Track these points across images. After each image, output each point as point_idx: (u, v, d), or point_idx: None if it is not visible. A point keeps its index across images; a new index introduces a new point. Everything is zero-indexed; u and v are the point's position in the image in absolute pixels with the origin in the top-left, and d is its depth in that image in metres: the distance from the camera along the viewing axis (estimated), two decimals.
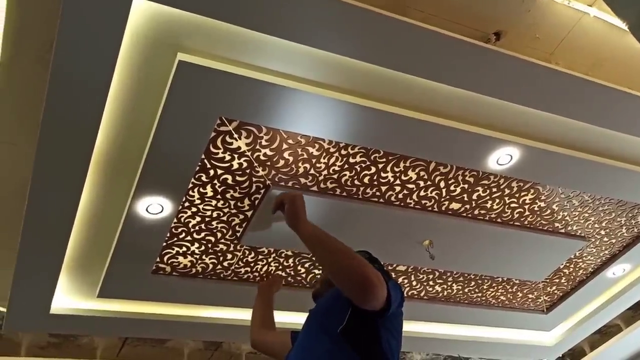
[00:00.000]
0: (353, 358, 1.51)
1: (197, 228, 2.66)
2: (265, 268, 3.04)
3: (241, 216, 2.63)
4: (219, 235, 2.72)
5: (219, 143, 2.28)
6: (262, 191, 2.53)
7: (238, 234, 2.73)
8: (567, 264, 3.51)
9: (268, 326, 2.39)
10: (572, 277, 3.65)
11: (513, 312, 3.88)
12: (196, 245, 2.75)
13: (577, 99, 2.42)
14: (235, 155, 2.35)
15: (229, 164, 2.38)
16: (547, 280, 3.63)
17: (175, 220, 2.58)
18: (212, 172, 2.39)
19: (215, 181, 2.44)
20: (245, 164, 2.39)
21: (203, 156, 2.31)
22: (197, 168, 2.35)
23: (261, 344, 2.30)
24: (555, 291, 3.78)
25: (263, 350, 2.34)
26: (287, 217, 2.00)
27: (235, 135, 2.27)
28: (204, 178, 2.42)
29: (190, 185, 2.43)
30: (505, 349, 4.27)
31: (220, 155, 2.33)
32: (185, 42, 1.94)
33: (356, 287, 1.53)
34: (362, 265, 1.59)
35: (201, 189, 2.46)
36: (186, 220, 2.61)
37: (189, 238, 2.71)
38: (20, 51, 2.06)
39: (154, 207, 2.44)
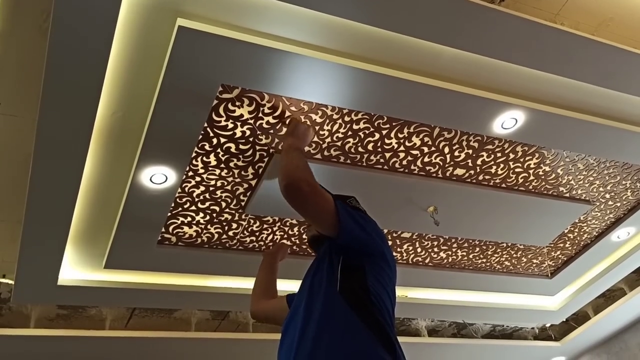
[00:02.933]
0: (347, 313, 1.52)
1: (201, 198, 2.66)
2: (270, 237, 3.05)
3: (245, 185, 2.63)
4: (224, 204, 2.72)
5: (221, 111, 2.26)
6: (265, 159, 2.52)
7: (243, 203, 2.73)
8: (572, 228, 3.51)
9: (269, 295, 2.28)
10: (576, 241, 3.66)
11: (517, 278, 3.90)
12: (201, 215, 2.76)
13: (582, 60, 2.38)
14: (238, 123, 2.33)
15: (232, 132, 2.36)
16: (552, 245, 3.64)
17: (179, 190, 2.58)
18: (215, 140, 2.38)
19: (219, 150, 2.43)
20: (248, 132, 2.38)
21: (206, 124, 2.30)
22: (200, 137, 2.34)
23: (260, 312, 2.22)
24: (560, 256, 3.79)
25: (263, 319, 2.26)
26: (285, 134, 2.18)
27: (238, 103, 2.25)
28: (207, 147, 2.40)
29: (194, 154, 2.42)
30: (510, 314, 4.31)
31: (223, 123, 2.31)
32: (185, 7, 1.91)
33: (287, 188, 1.75)
34: (306, 172, 1.84)
35: (204, 158, 2.45)
36: (190, 190, 2.61)
37: (193, 208, 2.71)
38: (18, 21, 2.03)
39: (158, 176, 2.44)
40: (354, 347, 1.42)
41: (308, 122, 2.30)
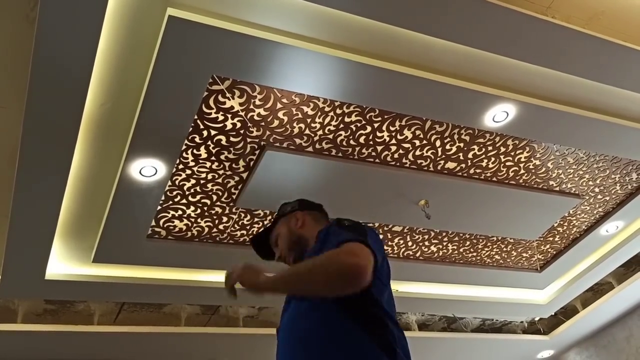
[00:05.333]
0: (346, 321, 1.41)
1: (192, 191, 2.64)
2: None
3: (236, 178, 2.61)
4: (215, 197, 2.70)
5: (211, 103, 2.24)
6: (257, 152, 2.50)
7: (234, 197, 2.71)
8: (561, 222, 3.53)
9: None
10: (565, 235, 3.67)
11: (507, 271, 3.92)
12: (192, 208, 2.74)
13: (573, 53, 2.39)
14: (229, 115, 2.31)
15: (222, 125, 2.34)
16: (541, 239, 3.66)
17: (169, 183, 2.55)
18: (205, 133, 2.36)
19: (209, 142, 2.40)
20: (239, 124, 2.36)
21: (196, 117, 2.27)
22: (190, 129, 2.32)
23: None
24: (549, 249, 3.81)
25: None
26: (246, 287, 1.54)
27: (229, 95, 2.22)
28: (197, 139, 2.38)
29: (184, 147, 2.40)
30: (499, 307, 4.33)
31: (214, 115, 2.29)
32: None
33: (347, 281, 1.30)
34: (337, 258, 1.34)
35: (195, 151, 2.43)
36: (181, 183, 2.58)
37: (184, 201, 2.69)
38: (4, 9, 1.99)
39: (148, 169, 2.41)
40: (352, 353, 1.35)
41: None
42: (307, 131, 2.47)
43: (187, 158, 2.45)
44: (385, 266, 1.54)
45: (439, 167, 2.87)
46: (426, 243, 3.46)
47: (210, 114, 2.28)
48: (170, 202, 2.67)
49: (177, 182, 2.57)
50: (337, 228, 1.53)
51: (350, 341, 1.33)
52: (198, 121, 2.30)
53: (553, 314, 4.61)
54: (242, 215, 2.88)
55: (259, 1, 1.95)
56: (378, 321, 1.38)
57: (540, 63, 2.39)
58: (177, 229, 2.85)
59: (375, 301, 1.41)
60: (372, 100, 2.39)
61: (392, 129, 2.57)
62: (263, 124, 2.38)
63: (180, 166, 2.49)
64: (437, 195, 2.99)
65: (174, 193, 2.62)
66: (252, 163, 2.54)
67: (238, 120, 2.33)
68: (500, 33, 2.23)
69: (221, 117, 2.31)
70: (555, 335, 4.88)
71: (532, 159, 2.95)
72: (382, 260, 1.49)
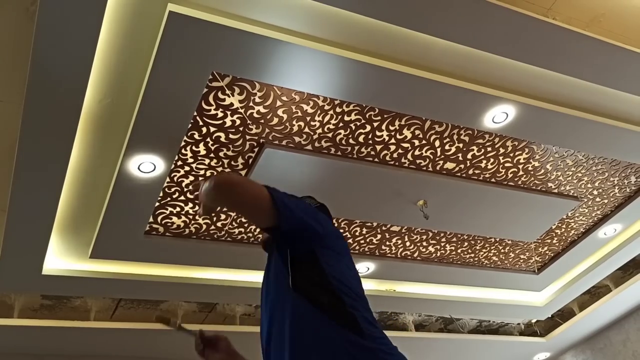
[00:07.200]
0: (315, 313, 1.44)
1: (190, 188, 2.63)
2: (258, 229, 3.03)
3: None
4: None
5: (211, 99, 2.24)
6: (256, 150, 2.50)
7: None
8: (559, 224, 3.53)
9: None
10: (563, 237, 3.67)
11: (505, 273, 3.92)
12: (190, 205, 2.73)
13: (574, 55, 2.39)
14: (228, 112, 2.31)
15: (221, 121, 2.34)
16: (539, 241, 3.66)
17: (168, 179, 2.55)
18: (204, 129, 2.35)
19: (208, 139, 2.40)
20: (238, 122, 2.35)
21: (195, 113, 2.27)
22: (190, 125, 2.31)
23: None
24: (547, 252, 3.81)
25: None
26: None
27: (228, 92, 2.22)
28: (196, 136, 2.38)
29: (183, 143, 2.39)
30: (496, 309, 4.33)
31: (213, 112, 2.29)
32: None
33: (217, 186, 1.49)
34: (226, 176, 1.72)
35: (194, 147, 2.43)
36: (179, 180, 2.58)
37: (182, 198, 2.68)
38: (4, 3, 1.99)
39: (146, 165, 2.41)
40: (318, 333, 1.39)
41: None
42: (306, 129, 2.47)
43: (186, 155, 2.45)
44: (334, 235, 1.58)
45: (437, 167, 2.87)
46: (424, 243, 3.46)
47: (210, 110, 2.28)
48: (169, 199, 2.67)
49: (175, 178, 2.56)
50: None
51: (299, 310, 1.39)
52: (197, 118, 2.30)
53: (550, 316, 4.61)
54: None
55: None
56: (329, 292, 1.43)
57: (540, 64, 2.39)
58: (175, 226, 2.84)
59: (322, 269, 1.45)
60: (371, 99, 2.39)
61: (391, 128, 2.57)
62: (262, 121, 2.38)
63: (179, 162, 2.48)
64: (435, 196, 2.99)
65: (172, 190, 2.62)
66: (250, 161, 2.54)
67: (237, 118, 2.33)
68: (500, 34, 2.23)
69: (220, 114, 2.30)
70: (552, 337, 4.89)
71: (531, 160, 2.95)
72: (329, 231, 1.57)
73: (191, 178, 2.58)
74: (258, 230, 3.03)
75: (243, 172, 2.59)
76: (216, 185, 1.50)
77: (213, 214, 2.82)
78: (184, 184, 2.61)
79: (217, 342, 1.77)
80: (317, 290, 1.43)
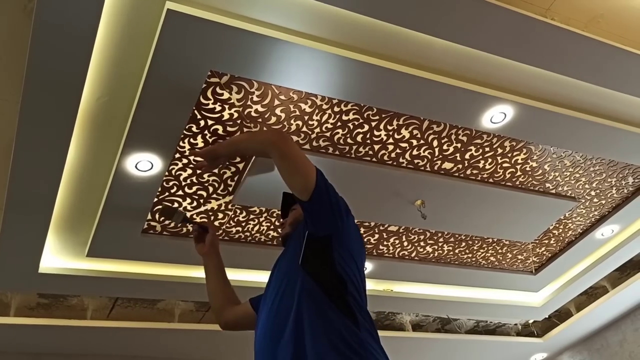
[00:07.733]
0: (322, 298, 1.53)
1: (188, 181, 2.62)
2: (257, 228, 3.03)
3: (233, 169, 2.60)
4: (211, 189, 2.69)
5: (209, 94, 2.23)
6: None
7: (230, 188, 2.70)
8: (557, 225, 3.53)
9: (232, 302, 2.09)
10: (561, 238, 3.68)
11: (502, 273, 3.92)
12: (188, 200, 2.73)
13: (572, 56, 2.39)
14: (226, 106, 2.30)
15: (219, 115, 2.33)
16: (537, 241, 3.66)
17: (166, 173, 2.54)
18: (202, 122, 2.35)
19: (206, 132, 2.39)
20: (236, 115, 2.35)
21: (193, 107, 2.26)
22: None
23: (231, 322, 2.05)
24: (544, 252, 3.81)
25: (235, 328, 2.07)
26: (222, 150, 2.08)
27: (226, 91, 2.22)
28: (194, 129, 2.37)
29: (181, 136, 2.38)
30: (493, 309, 4.33)
31: (211, 105, 2.28)
32: None
33: (285, 140, 1.78)
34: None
35: (192, 140, 2.42)
36: (177, 173, 2.57)
37: (180, 193, 2.67)
38: (2, 0, 1.98)
39: (144, 163, 2.40)
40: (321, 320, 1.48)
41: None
42: (304, 128, 2.47)
43: (184, 147, 2.44)
44: (354, 236, 1.77)
45: (435, 167, 2.86)
46: (422, 243, 3.46)
47: (208, 104, 2.27)
48: (167, 194, 2.66)
49: (173, 171, 2.55)
50: None
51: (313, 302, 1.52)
52: (195, 111, 2.29)
53: (547, 316, 4.61)
54: (238, 211, 2.87)
55: None
56: (335, 275, 1.56)
57: (538, 65, 2.39)
58: (172, 225, 2.84)
59: (333, 257, 1.59)
60: (369, 98, 2.38)
61: (389, 128, 2.57)
62: (260, 120, 2.38)
63: (177, 155, 2.47)
64: (433, 196, 2.99)
65: (171, 184, 2.61)
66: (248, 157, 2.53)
67: (235, 111, 2.32)
68: (499, 34, 2.23)
69: (218, 108, 2.30)
70: (549, 338, 4.89)
71: (529, 160, 2.95)
72: (351, 230, 1.74)
73: (189, 171, 2.57)
74: (257, 230, 3.03)
75: (240, 166, 2.59)
76: (279, 133, 1.87)
77: (211, 214, 2.82)
78: (181, 178, 2.60)
79: (204, 234, 2.21)
80: (324, 272, 1.56)
